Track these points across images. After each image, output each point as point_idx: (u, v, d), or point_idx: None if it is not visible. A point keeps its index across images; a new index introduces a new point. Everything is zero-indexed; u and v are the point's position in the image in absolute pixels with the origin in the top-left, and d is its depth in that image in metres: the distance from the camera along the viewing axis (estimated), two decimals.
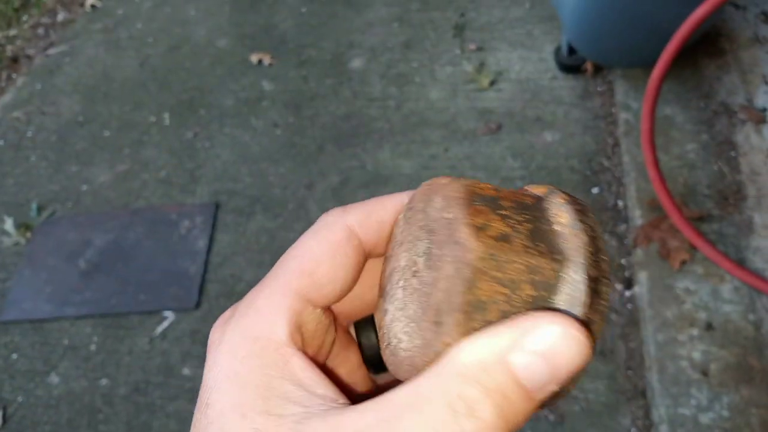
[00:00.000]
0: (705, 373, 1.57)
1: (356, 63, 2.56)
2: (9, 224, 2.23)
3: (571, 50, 2.22)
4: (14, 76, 2.95)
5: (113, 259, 2.09)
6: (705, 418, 1.51)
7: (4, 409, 1.82)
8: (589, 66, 2.23)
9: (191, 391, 1.76)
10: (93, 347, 1.89)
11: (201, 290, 1.96)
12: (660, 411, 1.53)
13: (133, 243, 2.12)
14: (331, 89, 2.48)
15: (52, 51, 3.01)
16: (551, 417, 1.57)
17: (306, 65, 2.61)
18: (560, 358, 0.24)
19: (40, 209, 2.30)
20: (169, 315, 1.92)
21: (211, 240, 2.08)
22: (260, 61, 2.66)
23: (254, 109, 2.48)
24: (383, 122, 2.30)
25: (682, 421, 1.51)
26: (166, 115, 2.54)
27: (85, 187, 2.35)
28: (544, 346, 0.24)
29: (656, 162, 1.75)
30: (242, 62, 2.69)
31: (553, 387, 0.25)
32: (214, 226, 2.12)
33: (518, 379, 0.24)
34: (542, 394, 0.25)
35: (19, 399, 1.84)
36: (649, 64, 1.80)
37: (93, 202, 2.30)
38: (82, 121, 2.63)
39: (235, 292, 1.94)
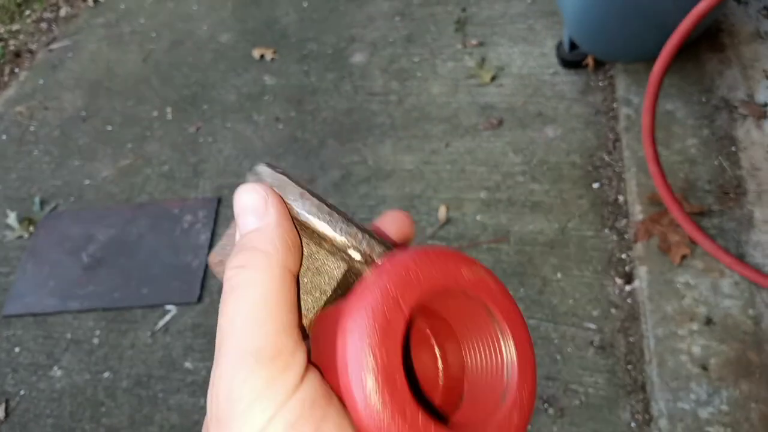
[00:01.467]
0: (705, 367, 1.58)
1: (358, 57, 2.56)
2: (12, 218, 2.25)
3: (573, 45, 2.22)
4: (17, 70, 2.96)
5: (116, 254, 2.10)
6: (704, 413, 1.51)
7: (7, 402, 1.84)
8: (590, 61, 2.23)
9: (193, 385, 1.77)
10: (96, 341, 1.90)
11: (203, 284, 1.96)
12: (659, 405, 1.53)
13: (136, 237, 2.13)
14: (333, 84, 2.49)
15: (54, 46, 3.02)
16: (551, 410, 1.58)
17: (307, 60, 2.61)
18: (244, 200, 0.35)
19: (42, 203, 2.31)
20: (172, 309, 1.93)
21: (214, 234, 2.09)
22: (262, 56, 2.66)
23: (256, 104, 2.49)
24: (384, 117, 2.30)
25: (681, 415, 1.52)
26: (169, 110, 2.55)
27: (87, 182, 2.36)
28: (237, 209, 0.36)
29: (657, 157, 1.76)
30: (244, 57, 2.69)
31: (265, 207, 0.34)
32: (216, 221, 2.12)
33: (243, 232, 0.35)
34: (266, 216, 0.34)
35: (22, 392, 1.85)
36: (650, 59, 1.80)
37: (96, 197, 2.31)
38: (85, 115, 2.63)
39: None
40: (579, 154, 2.04)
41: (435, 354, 0.36)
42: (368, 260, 0.36)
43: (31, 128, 2.63)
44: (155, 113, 2.56)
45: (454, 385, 0.35)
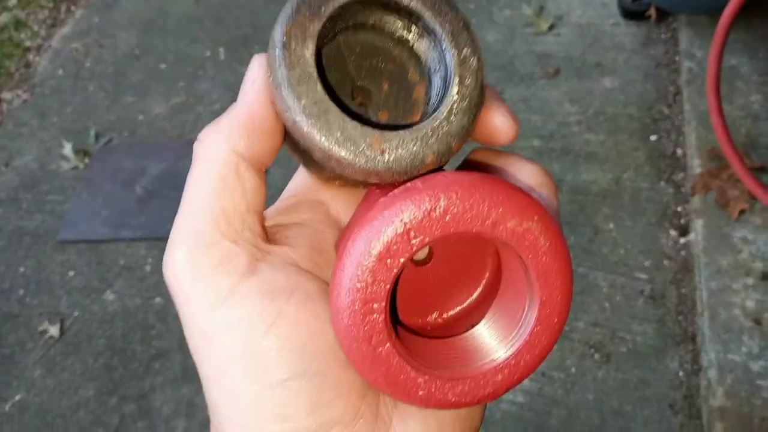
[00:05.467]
0: (758, 321, 1.55)
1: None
2: (68, 149, 2.29)
3: None
4: (73, 8, 2.99)
5: (168, 187, 2.13)
6: (756, 366, 1.49)
7: (61, 322, 1.89)
8: (653, 12, 2.17)
9: None
10: (148, 268, 1.94)
11: None
12: (710, 356, 1.52)
13: (187, 172, 2.16)
14: None
15: None
16: (596, 356, 1.57)
17: None
18: (246, 73, 0.31)
19: (97, 136, 2.35)
20: None
21: None
22: None
23: None
24: None
25: (731, 367, 1.50)
26: (221, 50, 2.56)
27: (141, 117, 2.39)
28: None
29: (720, 109, 1.71)
30: None
31: (249, 84, 0.31)
32: None
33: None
34: (244, 94, 0.31)
35: (76, 313, 1.91)
36: (715, 11, 1.74)
37: (148, 132, 2.34)
38: (139, 54, 2.66)
39: None
40: (637, 107, 2.00)
41: (447, 286, 0.34)
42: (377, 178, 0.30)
43: (87, 64, 2.67)
44: (207, 53, 2.57)
45: (458, 321, 0.34)
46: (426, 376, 0.29)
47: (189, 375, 1.72)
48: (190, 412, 1.67)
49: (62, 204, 2.18)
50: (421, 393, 0.29)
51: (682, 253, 1.70)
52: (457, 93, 0.31)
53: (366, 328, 0.28)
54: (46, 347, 1.85)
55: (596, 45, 2.18)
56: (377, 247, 0.27)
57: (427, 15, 0.32)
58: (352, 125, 0.29)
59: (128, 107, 2.45)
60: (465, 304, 0.34)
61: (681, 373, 1.53)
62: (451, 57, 0.31)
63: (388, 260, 0.27)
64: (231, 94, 2.38)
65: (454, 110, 0.30)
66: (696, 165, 1.82)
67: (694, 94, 1.96)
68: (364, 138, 0.29)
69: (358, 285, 0.27)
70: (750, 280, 1.61)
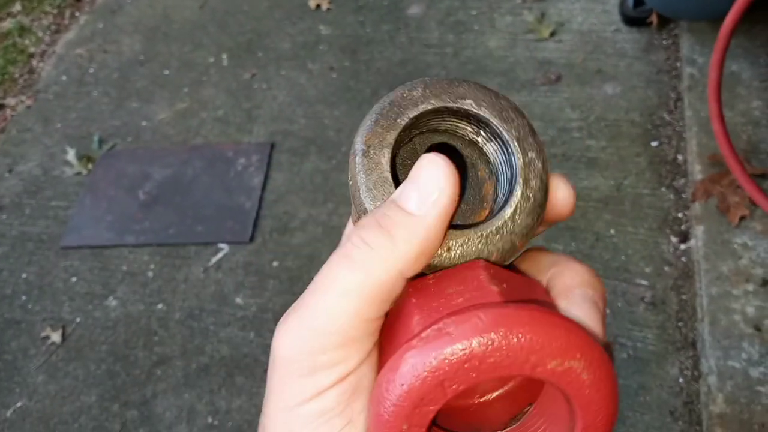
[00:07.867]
0: (758, 328, 1.56)
1: (414, 9, 2.54)
2: (71, 155, 2.30)
3: (637, 1, 2.16)
4: (77, 14, 3.00)
5: (171, 192, 2.14)
6: (755, 372, 1.49)
7: (63, 328, 1.90)
8: (654, 19, 2.17)
9: (243, 319, 1.81)
10: (150, 274, 1.95)
11: (255, 225, 2.00)
12: (710, 362, 1.52)
13: (191, 178, 2.17)
14: (388, 35, 2.47)
15: None
16: None
17: (363, 10, 2.60)
18: (422, 175, 0.30)
19: (101, 142, 2.36)
20: (224, 247, 1.96)
21: (266, 178, 2.11)
22: (318, 6, 2.66)
23: (311, 53, 2.49)
24: (439, 69, 2.29)
25: (731, 373, 1.50)
26: (225, 56, 2.57)
27: (145, 123, 2.41)
28: (413, 175, 0.31)
29: (721, 115, 1.71)
30: (300, 6, 2.69)
31: (433, 199, 0.30)
32: (269, 165, 2.15)
33: (398, 204, 0.30)
34: (426, 208, 0.30)
35: (78, 319, 1.92)
36: (717, 17, 1.74)
37: (152, 138, 2.35)
38: (143, 59, 2.67)
39: (288, 228, 1.97)
40: (639, 112, 2.00)
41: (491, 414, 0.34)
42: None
43: (91, 70, 2.68)
44: (211, 59, 2.58)
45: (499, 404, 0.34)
46: None
47: (191, 381, 1.73)
48: (191, 418, 1.68)
49: (66, 210, 2.19)
50: None
51: (683, 259, 1.70)
52: (522, 194, 0.32)
53: None
54: (48, 353, 1.86)
55: (597, 51, 2.18)
56: (410, 398, 0.26)
57: (495, 122, 0.33)
58: None
59: (132, 113, 2.46)
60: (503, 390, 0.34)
61: (681, 380, 1.53)
62: (516, 160, 0.33)
63: (423, 407, 0.27)
64: (234, 99, 2.39)
65: (518, 210, 0.32)
66: (697, 171, 1.83)
67: (696, 100, 1.96)
68: None
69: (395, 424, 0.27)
70: (750, 287, 1.61)
